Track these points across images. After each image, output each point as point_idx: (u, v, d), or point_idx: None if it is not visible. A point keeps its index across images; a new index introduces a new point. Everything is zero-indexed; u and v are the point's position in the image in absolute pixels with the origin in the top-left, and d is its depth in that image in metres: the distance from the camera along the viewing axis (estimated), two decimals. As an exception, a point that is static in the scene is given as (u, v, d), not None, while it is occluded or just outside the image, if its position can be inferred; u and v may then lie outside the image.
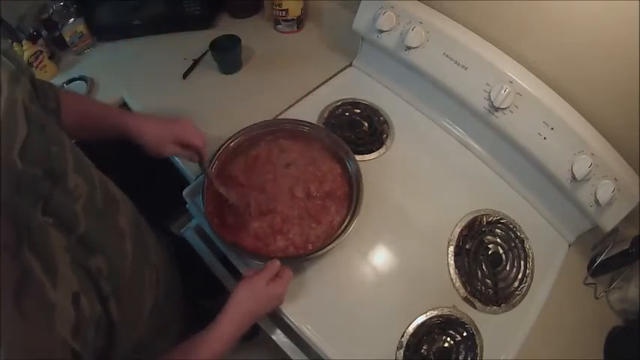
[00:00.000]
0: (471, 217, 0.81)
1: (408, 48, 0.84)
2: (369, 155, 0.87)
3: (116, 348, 0.48)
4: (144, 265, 0.57)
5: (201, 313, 0.67)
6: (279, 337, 0.71)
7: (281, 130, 0.83)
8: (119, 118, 0.68)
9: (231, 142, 0.80)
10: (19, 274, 0.34)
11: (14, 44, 0.96)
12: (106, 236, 0.49)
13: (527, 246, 0.79)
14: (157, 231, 0.68)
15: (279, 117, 0.90)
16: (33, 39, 1.00)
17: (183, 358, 0.53)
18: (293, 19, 1.11)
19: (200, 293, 0.85)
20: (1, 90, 0.40)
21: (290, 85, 0.99)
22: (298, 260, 0.70)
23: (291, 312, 0.68)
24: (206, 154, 0.73)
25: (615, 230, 0.76)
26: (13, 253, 0.35)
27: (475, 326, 0.69)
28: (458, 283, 0.73)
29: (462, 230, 0.79)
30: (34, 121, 0.42)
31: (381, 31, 0.88)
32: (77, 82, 1.00)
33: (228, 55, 1.02)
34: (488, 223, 0.81)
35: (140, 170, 0.94)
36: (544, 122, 0.73)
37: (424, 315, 0.69)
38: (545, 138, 0.74)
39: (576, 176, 0.71)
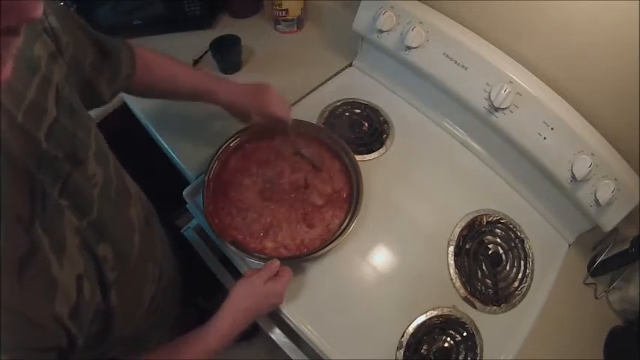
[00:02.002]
0: (471, 217, 0.81)
1: (408, 48, 0.84)
2: (369, 155, 0.87)
3: (110, 336, 0.49)
4: (148, 260, 0.57)
5: (200, 313, 0.67)
6: (278, 336, 0.71)
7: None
8: (207, 87, 0.71)
9: (231, 142, 0.80)
10: (27, 247, 0.35)
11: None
12: (116, 225, 0.49)
13: (527, 246, 0.79)
14: (165, 227, 0.69)
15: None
16: (33, 39, 1.00)
17: (176, 351, 0.54)
18: (293, 19, 1.11)
19: (198, 293, 0.85)
20: (40, 66, 0.41)
21: (290, 85, 0.99)
22: (298, 260, 0.70)
23: (291, 312, 0.68)
24: (289, 123, 0.76)
25: (615, 230, 0.76)
26: (26, 226, 0.36)
27: (475, 326, 0.69)
28: (458, 283, 0.73)
29: (462, 230, 0.79)
30: (64, 104, 0.43)
31: (381, 31, 0.88)
32: (77, 82, 1.00)
33: (228, 55, 1.02)
34: (488, 223, 0.81)
35: (140, 170, 0.94)
36: (544, 122, 0.73)
37: (424, 315, 0.69)
38: (545, 138, 0.74)
39: (576, 176, 0.71)
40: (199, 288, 0.79)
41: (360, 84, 1.00)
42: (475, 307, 0.71)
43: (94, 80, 0.55)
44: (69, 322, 0.38)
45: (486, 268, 0.76)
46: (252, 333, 1.33)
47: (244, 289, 0.62)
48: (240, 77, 1.03)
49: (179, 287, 0.71)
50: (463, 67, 0.79)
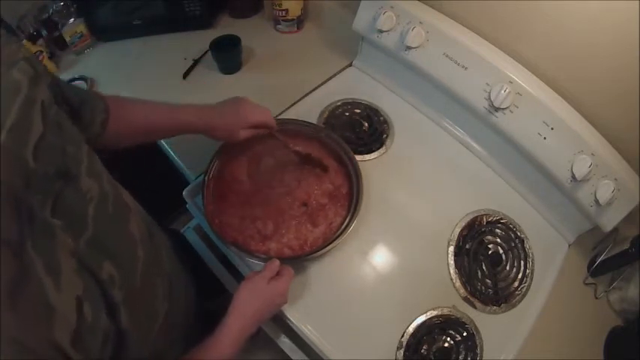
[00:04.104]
0: (471, 217, 0.81)
1: (408, 48, 0.84)
2: (369, 155, 0.87)
3: (127, 358, 0.47)
4: (156, 274, 0.56)
5: (205, 318, 0.67)
6: (279, 336, 0.71)
7: (281, 130, 0.83)
8: (184, 120, 0.68)
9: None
10: (17, 272, 0.34)
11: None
12: (116, 241, 0.48)
13: (527, 246, 0.79)
14: (167, 232, 0.67)
15: (279, 117, 0.90)
16: (33, 39, 1.00)
17: None
18: (293, 19, 1.11)
19: (201, 293, 0.85)
20: (20, 88, 0.40)
21: (290, 85, 0.99)
22: (298, 260, 0.70)
23: (291, 312, 0.68)
24: (274, 126, 0.75)
25: (615, 230, 0.76)
26: (14, 250, 0.34)
27: (475, 326, 0.69)
28: (458, 283, 0.73)
29: (462, 230, 0.79)
30: (51, 120, 0.42)
31: (381, 31, 0.88)
32: (77, 82, 1.00)
33: (228, 55, 1.02)
34: (488, 223, 0.81)
35: (140, 170, 0.94)
36: (544, 122, 0.73)
37: (424, 315, 0.69)
38: (545, 138, 0.74)
39: (576, 176, 0.71)
40: (201, 289, 0.79)
41: (360, 84, 1.00)
42: (475, 307, 0.71)
43: (78, 108, 0.55)
44: (71, 349, 0.36)
45: (486, 268, 0.76)
46: (254, 333, 1.34)
47: (249, 292, 0.61)
48: (240, 77, 1.04)
49: (192, 299, 0.70)
50: (463, 67, 0.79)
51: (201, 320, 0.70)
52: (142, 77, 1.02)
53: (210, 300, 0.75)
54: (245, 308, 0.60)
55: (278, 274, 0.64)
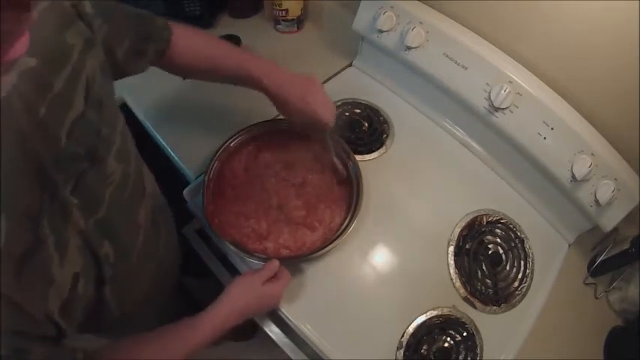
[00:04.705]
0: (471, 217, 0.81)
1: (408, 48, 0.84)
2: (369, 155, 0.87)
3: (102, 325, 0.50)
4: (149, 260, 0.58)
5: (189, 304, 0.67)
6: (278, 336, 0.71)
7: (281, 130, 0.83)
8: (251, 73, 0.65)
9: (231, 142, 0.80)
10: (30, 242, 0.35)
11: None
12: (122, 226, 0.49)
13: (527, 246, 0.79)
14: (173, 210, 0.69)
15: (279, 117, 0.90)
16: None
17: (164, 337, 0.53)
18: (293, 19, 1.11)
19: (186, 271, 0.85)
20: (71, 55, 0.40)
21: (290, 85, 0.99)
22: (298, 260, 0.71)
23: (291, 311, 0.68)
24: (329, 129, 0.71)
25: (615, 230, 0.76)
26: (33, 222, 0.35)
27: (475, 326, 0.69)
28: (458, 283, 0.73)
29: (462, 230, 0.79)
30: (93, 98, 0.42)
31: (381, 31, 0.88)
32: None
33: (228, 55, 1.02)
34: (488, 223, 0.81)
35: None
36: (544, 122, 0.73)
37: (424, 315, 0.69)
38: (545, 138, 0.74)
39: (576, 176, 0.71)
40: (187, 266, 0.79)
41: (360, 84, 1.00)
42: (475, 307, 0.71)
43: (124, 65, 0.55)
44: (59, 317, 0.38)
45: (486, 268, 0.76)
46: (252, 333, 1.34)
47: (243, 287, 0.62)
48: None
49: (176, 277, 0.71)
50: (463, 67, 0.79)
51: (178, 295, 0.71)
52: (142, 77, 1.00)
53: (197, 277, 0.75)
54: (235, 301, 0.60)
55: (275, 276, 0.64)
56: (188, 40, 0.63)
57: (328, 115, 0.68)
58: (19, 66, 0.34)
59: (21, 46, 0.25)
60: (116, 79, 0.53)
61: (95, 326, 0.49)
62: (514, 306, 0.73)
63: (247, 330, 1.33)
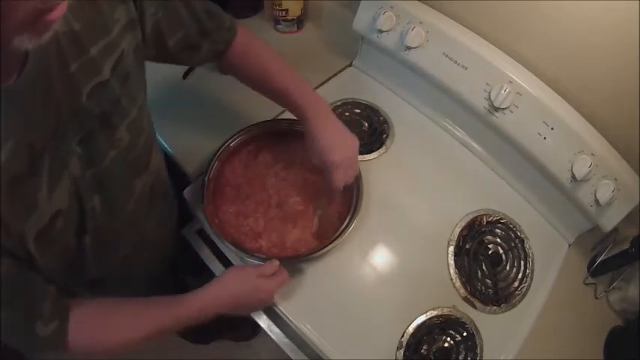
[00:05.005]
0: (471, 217, 0.81)
1: (408, 48, 0.84)
2: (369, 155, 0.87)
3: (83, 273, 0.53)
4: (134, 231, 0.60)
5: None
6: (278, 337, 0.71)
7: (281, 130, 0.83)
8: (301, 104, 0.66)
9: (231, 142, 0.80)
10: (27, 169, 0.38)
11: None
12: (116, 186, 0.52)
13: (527, 246, 0.79)
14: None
15: (279, 117, 0.90)
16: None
17: (147, 304, 0.55)
18: (293, 19, 1.11)
19: (187, 271, 0.86)
20: (112, 30, 0.44)
21: (290, 85, 0.99)
22: (298, 260, 0.70)
23: (291, 311, 0.68)
24: (338, 190, 0.70)
25: (615, 230, 0.76)
26: (33, 154, 0.39)
27: (475, 326, 0.69)
28: (458, 283, 0.73)
29: (462, 230, 0.79)
30: (121, 69, 0.46)
31: (381, 31, 0.88)
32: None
33: (228, 55, 1.02)
34: (488, 223, 0.81)
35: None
36: (544, 122, 0.73)
37: (424, 315, 0.69)
38: (545, 138, 0.74)
39: (576, 176, 0.71)
40: (188, 266, 0.80)
41: (360, 84, 1.00)
42: (475, 307, 0.71)
43: (174, 53, 0.58)
44: (32, 242, 0.41)
45: (486, 268, 0.76)
46: (252, 333, 1.34)
47: (236, 276, 0.62)
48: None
49: (161, 256, 0.73)
50: (463, 67, 0.79)
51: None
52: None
53: (197, 275, 0.76)
54: (226, 287, 0.61)
55: (273, 274, 0.64)
56: (249, 48, 0.66)
57: (342, 181, 0.67)
58: (63, 26, 0.39)
59: (59, 10, 0.30)
60: (166, 62, 0.58)
61: (77, 274, 0.52)
62: (514, 306, 0.73)
63: (247, 330, 1.33)
